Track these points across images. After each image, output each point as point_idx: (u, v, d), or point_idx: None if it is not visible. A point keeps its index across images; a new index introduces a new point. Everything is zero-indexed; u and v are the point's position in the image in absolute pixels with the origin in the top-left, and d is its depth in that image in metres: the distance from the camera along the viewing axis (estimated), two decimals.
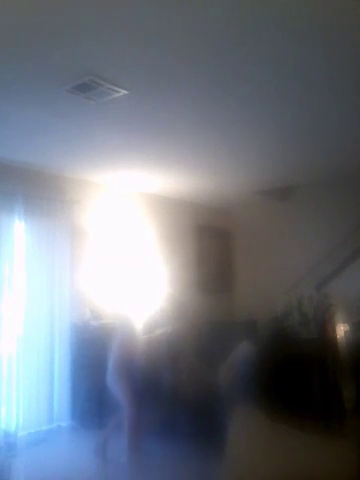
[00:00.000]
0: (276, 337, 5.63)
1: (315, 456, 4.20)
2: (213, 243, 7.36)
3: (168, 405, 4.67)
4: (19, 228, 4.95)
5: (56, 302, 5.15)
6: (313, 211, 6.57)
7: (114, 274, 5.77)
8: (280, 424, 4.82)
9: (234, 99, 3.54)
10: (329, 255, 6.26)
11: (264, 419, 4.85)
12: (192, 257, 6.95)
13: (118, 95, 3.34)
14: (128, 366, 4.44)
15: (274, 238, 6.96)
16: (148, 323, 5.82)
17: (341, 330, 5.55)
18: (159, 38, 2.67)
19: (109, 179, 5.75)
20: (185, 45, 2.75)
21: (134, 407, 4.36)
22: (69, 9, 2.37)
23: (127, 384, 4.38)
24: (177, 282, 6.37)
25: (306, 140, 4.54)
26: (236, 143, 4.58)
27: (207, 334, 5.86)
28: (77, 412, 5.08)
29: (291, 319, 5.78)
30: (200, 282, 7.01)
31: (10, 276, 4.83)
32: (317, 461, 4.11)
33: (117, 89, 3.26)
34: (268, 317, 6.11)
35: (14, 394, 4.73)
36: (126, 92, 3.31)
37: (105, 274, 5.69)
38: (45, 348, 5.02)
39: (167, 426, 4.52)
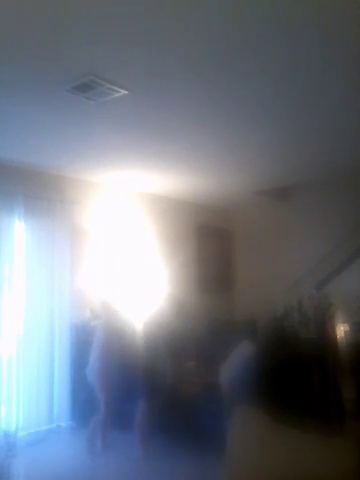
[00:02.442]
0: (276, 337, 5.63)
1: (315, 456, 4.20)
2: (213, 243, 7.36)
3: (168, 405, 4.67)
4: (19, 228, 4.95)
5: (56, 302, 5.14)
6: (313, 211, 6.57)
7: (114, 274, 5.77)
8: (280, 424, 4.82)
9: (234, 99, 3.54)
10: (329, 255, 6.26)
11: (264, 419, 4.85)
12: (192, 257, 6.95)
13: (118, 95, 3.34)
14: (118, 364, 4.47)
15: (274, 238, 6.97)
16: (148, 323, 5.82)
17: (341, 330, 5.55)
18: (159, 38, 2.67)
19: (109, 179, 5.75)
20: (185, 45, 2.75)
21: (110, 406, 4.40)
22: (69, 9, 2.37)
23: (112, 382, 4.40)
24: (177, 282, 6.37)
25: (306, 140, 4.54)
26: (236, 143, 4.58)
27: (207, 334, 5.87)
28: (77, 412, 5.08)
29: (291, 319, 5.78)
30: (200, 282, 7.01)
31: (10, 276, 4.83)
32: (317, 461, 4.10)
33: (117, 89, 3.26)
34: (268, 317, 6.11)
35: (14, 394, 4.73)
36: (126, 92, 3.31)
37: (105, 274, 5.69)
38: (45, 348, 5.02)
39: (167, 425, 4.52)
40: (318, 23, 2.55)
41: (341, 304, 5.51)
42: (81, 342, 5.15)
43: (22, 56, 2.83)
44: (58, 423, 5.06)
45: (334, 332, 5.41)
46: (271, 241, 6.99)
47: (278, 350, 5.34)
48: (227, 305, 7.18)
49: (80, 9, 2.37)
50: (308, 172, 5.76)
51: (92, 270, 5.57)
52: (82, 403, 5.05)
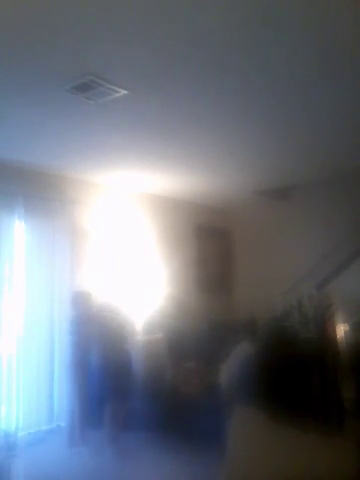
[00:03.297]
0: (276, 337, 5.63)
1: (315, 456, 4.20)
2: (213, 243, 7.36)
3: (168, 405, 4.67)
4: (19, 228, 4.95)
5: (56, 302, 5.14)
6: (313, 211, 6.57)
7: (114, 274, 5.77)
8: (280, 424, 4.81)
9: (234, 99, 3.54)
10: (329, 255, 6.26)
11: (264, 419, 4.84)
12: (192, 257, 6.95)
13: (118, 95, 3.34)
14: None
15: (274, 238, 6.97)
16: (148, 323, 5.82)
17: (341, 330, 5.55)
18: (159, 38, 2.67)
19: (109, 179, 5.75)
20: (185, 45, 2.75)
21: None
22: (69, 9, 2.37)
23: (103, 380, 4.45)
24: (177, 282, 6.37)
25: (305, 140, 4.55)
26: (236, 143, 4.59)
27: (207, 334, 5.87)
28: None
29: (291, 319, 5.78)
30: (200, 282, 7.01)
31: (10, 276, 4.83)
32: (317, 461, 4.10)
33: (117, 89, 3.26)
34: (268, 317, 6.11)
35: (14, 394, 4.73)
36: (126, 92, 3.31)
37: (105, 274, 5.69)
38: (45, 348, 5.02)
39: (167, 426, 4.52)
40: (317, 24, 2.55)
41: (341, 304, 5.51)
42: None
43: (22, 56, 2.83)
44: (58, 423, 5.06)
45: (334, 332, 5.41)
46: (271, 241, 6.99)
47: (278, 350, 5.34)
48: (227, 305, 7.18)
49: (80, 9, 2.37)
50: (308, 172, 5.76)
51: (92, 270, 5.57)
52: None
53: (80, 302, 4.81)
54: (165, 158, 4.97)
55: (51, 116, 3.77)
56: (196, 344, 5.61)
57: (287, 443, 4.52)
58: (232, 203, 7.30)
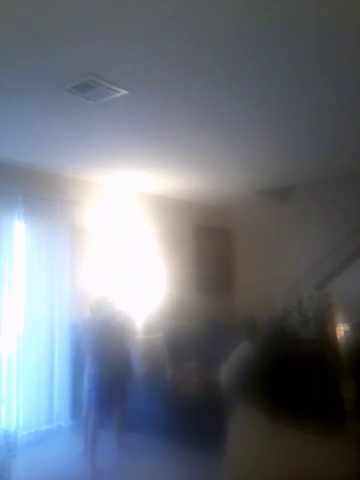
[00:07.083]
0: (276, 337, 5.62)
1: (315, 456, 4.20)
2: (213, 243, 7.36)
3: (168, 404, 4.67)
4: (19, 228, 4.95)
5: (56, 302, 5.15)
6: (313, 211, 6.58)
7: (114, 274, 5.77)
8: (280, 424, 4.81)
9: (234, 99, 3.54)
10: (329, 255, 6.27)
11: (264, 419, 4.84)
12: (192, 257, 6.96)
13: (118, 95, 3.34)
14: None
15: (274, 238, 6.97)
16: (148, 323, 5.82)
17: (341, 330, 5.55)
18: (159, 38, 2.67)
19: (109, 179, 5.75)
20: (185, 45, 2.75)
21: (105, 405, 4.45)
22: (69, 9, 2.37)
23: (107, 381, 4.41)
24: (177, 282, 6.37)
25: (306, 140, 4.55)
26: (236, 143, 4.59)
27: (207, 334, 5.87)
28: (77, 412, 5.08)
29: (291, 319, 5.78)
30: (200, 282, 7.01)
31: (10, 276, 4.83)
32: (317, 461, 4.10)
33: (117, 89, 3.26)
34: (268, 317, 6.10)
35: (14, 394, 4.73)
36: (126, 92, 3.31)
37: (105, 274, 5.69)
38: (45, 348, 5.02)
39: (167, 426, 4.53)
40: (318, 25, 2.55)
41: (341, 304, 5.51)
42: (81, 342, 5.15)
43: (22, 56, 2.83)
44: (58, 423, 5.06)
45: (334, 332, 5.41)
46: (271, 241, 6.99)
47: (278, 350, 5.34)
48: (227, 305, 7.19)
49: (80, 9, 2.37)
50: (308, 172, 5.76)
51: (92, 270, 5.57)
52: (82, 403, 5.06)
53: (101, 306, 4.66)
54: (165, 158, 4.97)
55: (51, 116, 3.77)
56: (196, 344, 5.61)
57: (287, 443, 4.52)
58: (232, 203, 7.30)
